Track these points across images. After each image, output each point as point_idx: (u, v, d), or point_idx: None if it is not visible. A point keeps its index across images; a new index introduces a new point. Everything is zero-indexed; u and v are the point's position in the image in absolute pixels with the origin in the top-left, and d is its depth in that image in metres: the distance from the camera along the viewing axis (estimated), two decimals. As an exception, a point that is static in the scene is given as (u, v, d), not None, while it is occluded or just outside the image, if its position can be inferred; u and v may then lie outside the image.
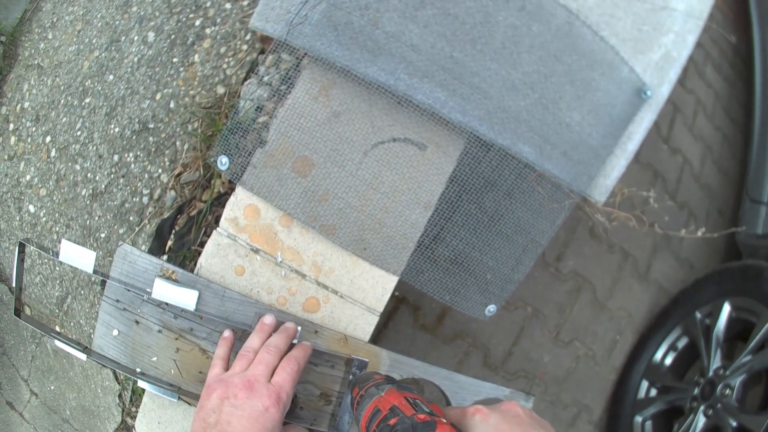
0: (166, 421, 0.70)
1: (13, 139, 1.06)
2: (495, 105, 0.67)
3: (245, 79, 0.93)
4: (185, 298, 0.61)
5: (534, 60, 0.68)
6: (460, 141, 0.68)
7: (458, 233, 0.71)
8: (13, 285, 0.80)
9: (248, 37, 0.93)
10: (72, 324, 1.00)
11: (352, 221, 0.65)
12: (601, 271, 1.24)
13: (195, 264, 0.67)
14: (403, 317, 0.93)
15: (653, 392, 1.26)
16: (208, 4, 0.94)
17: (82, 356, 0.65)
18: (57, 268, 0.99)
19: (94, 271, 0.62)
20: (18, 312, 0.68)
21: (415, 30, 0.65)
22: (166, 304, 0.62)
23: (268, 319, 0.60)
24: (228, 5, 0.93)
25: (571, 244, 1.17)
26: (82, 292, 0.97)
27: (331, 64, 0.65)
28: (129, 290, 0.62)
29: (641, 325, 1.33)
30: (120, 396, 1.00)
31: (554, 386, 1.22)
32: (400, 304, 0.92)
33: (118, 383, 0.99)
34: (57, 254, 0.62)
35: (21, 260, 0.66)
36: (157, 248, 0.86)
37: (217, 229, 0.66)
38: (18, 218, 1.04)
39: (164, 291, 0.61)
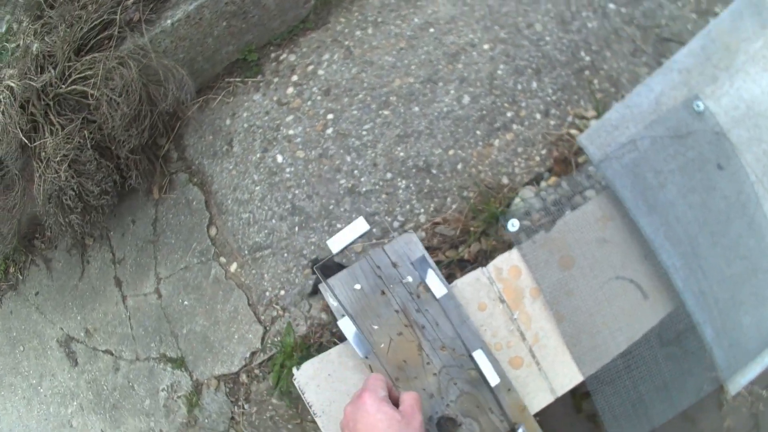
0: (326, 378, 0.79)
1: (291, 89, 1.12)
2: (707, 288, 0.87)
3: (527, 184, 1.09)
4: (439, 290, 0.76)
5: (744, 264, 0.89)
6: (671, 304, 0.87)
7: (635, 372, 0.88)
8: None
9: (544, 151, 1.09)
10: (253, 272, 1.05)
11: (578, 321, 0.84)
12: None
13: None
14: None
15: None
16: (523, 104, 1.09)
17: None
18: (272, 221, 1.05)
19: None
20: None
21: (683, 206, 0.86)
22: (418, 296, 0.75)
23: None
24: (538, 116, 1.09)
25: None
26: (285, 255, 1.04)
27: (617, 201, 0.84)
28: (396, 269, 0.76)
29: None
30: (253, 354, 1.05)
31: None
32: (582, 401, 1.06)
33: (261, 344, 1.04)
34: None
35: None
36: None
37: (483, 268, 0.83)
38: (258, 156, 1.08)
39: (433, 281, 0.75)
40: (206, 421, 1.15)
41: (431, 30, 1.16)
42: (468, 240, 1.04)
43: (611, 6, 1.30)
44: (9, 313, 1.50)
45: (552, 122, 1.12)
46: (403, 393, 0.64)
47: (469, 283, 0.79)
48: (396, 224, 1.03)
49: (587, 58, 1.20)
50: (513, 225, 0.85)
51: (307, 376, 0.77)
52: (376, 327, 0.75)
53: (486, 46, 1.15)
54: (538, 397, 0.80)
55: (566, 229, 0.83)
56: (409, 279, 0.76)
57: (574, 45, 1.19)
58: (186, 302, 1.12)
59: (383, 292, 0.75)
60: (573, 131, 1.15)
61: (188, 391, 1.15)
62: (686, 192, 0.84)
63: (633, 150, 0.85)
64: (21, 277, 1.43)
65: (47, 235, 1.35)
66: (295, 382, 0.77)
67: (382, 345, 0.73)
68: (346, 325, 0.75)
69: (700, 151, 0.86)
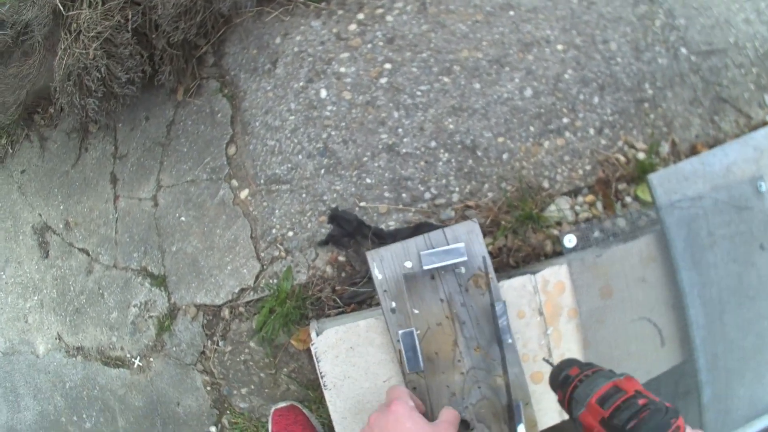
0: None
1: (353, 26, 1.05)
2: (720, 352, 0.88)
3: (565, 194, 1.05)
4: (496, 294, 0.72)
5: (756, 341, 0.90)
6: (682, 357, 0.87)
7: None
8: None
9: (588, 167, 1.06)
10: (264, 204, 0.98)
11: (600, 351, 0.83)
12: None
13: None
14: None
15: None
16: (581, 115, 1.06)
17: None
18: (299, 156, 0.98)
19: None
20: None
21: (723, 272, 0.88)
22: (466, 289, 0.71)
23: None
24: (591, 131, 1.06)
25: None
26: (304, 195, 0.97)
27: (665, 246, 0.85)
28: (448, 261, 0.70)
29: None
30: (242, 291, 0.98)
31: None
32: None
33: (254, 282, 0.98)
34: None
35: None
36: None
37: (531, 275, 0.79)
38: (301, 84, 1.01)
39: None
40: (174, 349, 1.07)
41: (511, 13, 1.11)
42: (496, 233, 0.99)
43: (683, 50, 1.28)
44: (-14, 186, 1.39)
45: (603, 141, 1.09)
46: (445, 410, 0.61)
47: (514, 287, 0.75)
48: (427, 196, 0.98)
49: (650, 92, 1.18)
50: (570, 241, 0.85)
51: (327, 344, 0.71)
52: (416, 311, 0.69)
53: (560, 47, 1.11)
54: (548, 416, 0.76)
55: (613, 259, 0.84)
56: (462, 270, 0.70)
57: (641, 75, 1.17)
58: (183, 218, 1.05)
59: (432, 277, 0.70)
60: (620, 156, 1.12)
61: (162, 313, 1.07)
62: (729, 260, 0.87)
63: (696, 206, 0.86)
64: (11, 151, 1.32)
65: (50, 112, 1.25)
66: (312, 348, 0.70)
67: (419, 332, 0.68)
68: (387, 305, 0.69)
69: (751, 227, 0.89)
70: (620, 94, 1.14)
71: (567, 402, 0.54)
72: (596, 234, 0.96)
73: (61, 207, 1.21)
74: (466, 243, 0.70)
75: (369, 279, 0.94)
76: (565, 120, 1.06)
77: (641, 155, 1.12)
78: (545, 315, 0.77)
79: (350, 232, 0.94)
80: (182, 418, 1.09)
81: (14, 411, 1.35)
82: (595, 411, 0.48)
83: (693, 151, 1.22)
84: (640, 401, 0.45)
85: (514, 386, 0.67)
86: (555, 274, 0.79)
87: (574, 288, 0.79)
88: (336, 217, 0.95)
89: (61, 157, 1.23)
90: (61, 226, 1.20)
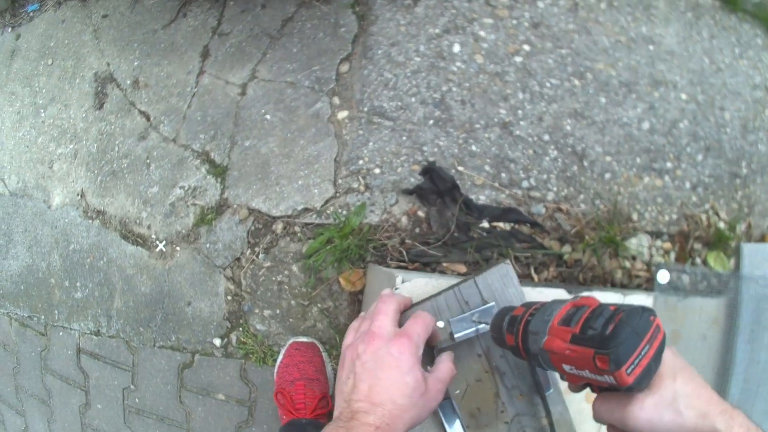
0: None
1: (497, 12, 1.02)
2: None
3: (647, 232, 1.03)
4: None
5: None
6: None
7: None
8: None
9: (675, 216, 1.05)
10: (360, 132, 0.93)
11: None
12: None
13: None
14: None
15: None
16: (683, 166, 1.05)
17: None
18: (412, 99, 0.93)
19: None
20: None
21: None
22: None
23: (387, 290, 0.58)
24: (687, 184, 1.05)
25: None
26: (404, 138, 0.92)
27: (733, 314, 0.86)
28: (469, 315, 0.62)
29: None
30: (305, 210, 0.92)
31: None
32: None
33: (322, 206, 0.92)
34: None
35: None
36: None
37: (622, 295, 0.76)
38: (437, 31, 0.97)
39: None
40: (208, 245, 1.00)
41: (650, 47, 1.10)
42: (577, 246, 0.96)
43: (778, 146, 1.31)
44: (60, 21, 1.29)
45: (694, 198, 1.08)
46: (443, 358, 0.53)
47: (606, 299, 0.71)
48: (524, 185, 0.94)
49: (744, 171, 1.19)
50: (663, 276, 0.87)
51: (412, 293, 0.66)
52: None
53: (683, 96, 1.11)
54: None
55: (691, 309, 0.84)
56: (481, 325, 0.62)
57: (742, 152, 1.18)
58: (269, 116, 0.98)
59: (477, 329, 0.61)
60: (704, 218, 1.12)
61: (209, 205, 1.00)
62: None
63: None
64: (99, -9, 1.23)
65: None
66: (394, 292, 0.64)
67: (457, 392, 0.62)
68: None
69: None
70: (720, 161, 1.14)
71: (521, 340, 0.46)
72: (685, 279, 0.95)
73: (136, 63, 1.13)
74: (499, 289, 0.62)
75: (443, 243, 0.89)
76: (669, 165, 1.05)
77: (722, 224, 1.11)
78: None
79: (441, 191, 0.90)
80: (188, 319, 1.01)
81: (0, 256, 1.23)
82: (561, 332, 0.41)
83: (762, 239, 1.23)
84: (610, 307, 0.39)
85: (558, 424, 0.62)
86: (642, 302, 0.76)
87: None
88: (431, 171, 0.91)
89: (153, 15, 1.15)
90: (129, 82, 1.12)
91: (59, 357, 1.17)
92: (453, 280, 0.67)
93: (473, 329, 0.60)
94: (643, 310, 0.38)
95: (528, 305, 0.49)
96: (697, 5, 1.18)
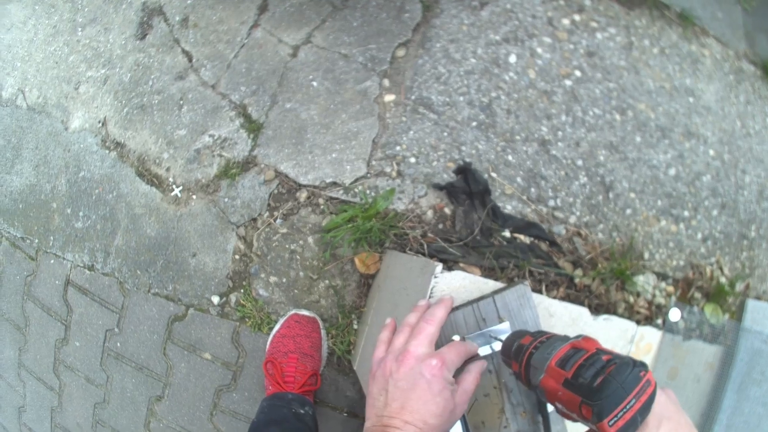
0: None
1: (566, 21, 1.03)
2: None
3: (655, 272, 1.06)
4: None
5: None
6: None
7: None
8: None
9: (682, 262, 1.07)
10: (403, 119, 0.93)
11: None
12: None
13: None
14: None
15: None
16: (699, 217, 1.08)
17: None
18: (460, 97, 0.93)
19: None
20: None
21: (758, 409, 0.95)
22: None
23: (423, 301, 0.61)
24: (699, 235, 1.08)
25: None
26: (445, 134, 0.92)
27: (728, 361, 0.92)
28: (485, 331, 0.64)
29: None
30: (333, 184, 0.91)
31: None
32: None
33: (350, 183, 0.91)
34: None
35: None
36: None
37: (635, 324, 0.78)
38: (496, 38, 0.98)
39: None
40: (226, 200, 0.98)
41: (690, 99, 1.13)
42: (588, 272, 0.98)
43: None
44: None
45: (702, 249, 1.11)
46: (471, 369, 0.54)
47: (617, 326, 0.73)
48: (551, 203, 0.96)
49: (753, 234, 1.23)
50: (675, 315, 0.91)
51: (448, 285, 0.66)
52: None
53: (711, 152, 1.14)
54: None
55: (692, 350, 0.88)
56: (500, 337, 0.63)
57: (754, 216, 1.22)
58: (315, 83, 0.97)
59: (491, 348, 0.64)
60: (708, 270, 1.15)
61: (235, 159, 0.98)
62: (762, 402, 0.94)
63: (766, 345, 0.92)
64: None
65: None
66: (433, 280, 0.65)
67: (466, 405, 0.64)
68: None
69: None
70: (733, 220, 1.18)
71: (524, 371, 0.49)
72: (691, 321, 0.98)
73: (189, 1, 1.10)
74: (516, 309, 0.64)
75: (464, 244, 0.90)
76: (686, 213, 1.08)
77: (723, 279, 1.15)
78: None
79: (472, 193, 0.90)
80: (189, 271, 0.98)
81: (3, 170, 1.18)
82: (556, 374, 0.43)
83: (758, 300, 1.28)
84: (604, 357, 0.41)
85: None
86: (652, 335, 0.78)
87: (657, 355, 0.80)
88: (466, 171, 0.91)
89: (215, -42, 1.12)
90: (178, 18, 1.09)
91: (45, 285, 1.12)
92: (491, 286, 0.67)
93: (488, 346, 0.62)
94: (635, 364, 0.39)
95: (536, 335, 0.51)
96: (740, 70, 1.22)
